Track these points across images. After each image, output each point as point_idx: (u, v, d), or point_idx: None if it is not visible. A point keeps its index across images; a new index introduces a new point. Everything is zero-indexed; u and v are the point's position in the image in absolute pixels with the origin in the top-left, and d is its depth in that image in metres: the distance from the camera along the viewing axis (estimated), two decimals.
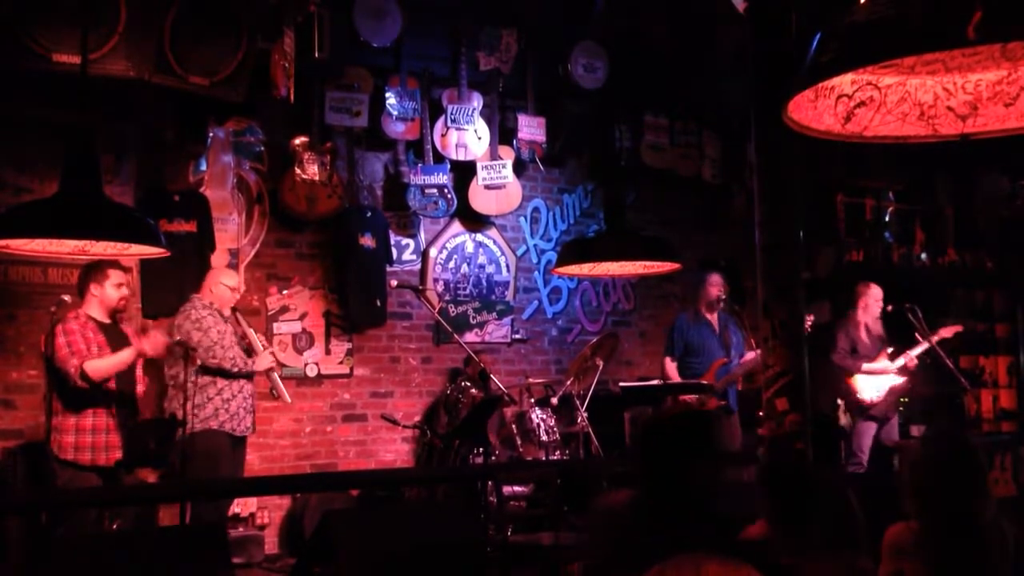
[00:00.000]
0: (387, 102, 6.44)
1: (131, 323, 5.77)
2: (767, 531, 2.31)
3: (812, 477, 2.38)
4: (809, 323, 5.49)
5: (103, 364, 4.65)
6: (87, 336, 4.68)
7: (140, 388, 5.03)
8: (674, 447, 2.27)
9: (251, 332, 5.46)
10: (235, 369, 5.19)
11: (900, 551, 2.59)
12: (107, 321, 4.86)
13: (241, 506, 5.94)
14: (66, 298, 4.64)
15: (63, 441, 4.57)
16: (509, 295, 7.35)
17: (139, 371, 5.02)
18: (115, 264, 4.85)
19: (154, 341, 4.85)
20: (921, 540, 2.56)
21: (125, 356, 4.74)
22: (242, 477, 5.24)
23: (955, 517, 2.55)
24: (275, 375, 5.51)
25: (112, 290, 4.81)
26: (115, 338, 4.85)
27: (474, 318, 7.16)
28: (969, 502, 2.57)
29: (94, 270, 4.82)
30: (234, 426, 5.22)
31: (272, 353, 5.53)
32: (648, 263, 5.27)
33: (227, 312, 5.40)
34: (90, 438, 4.65)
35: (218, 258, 6.10)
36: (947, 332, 6.73)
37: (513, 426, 6.32)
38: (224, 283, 5.40)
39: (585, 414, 6.18)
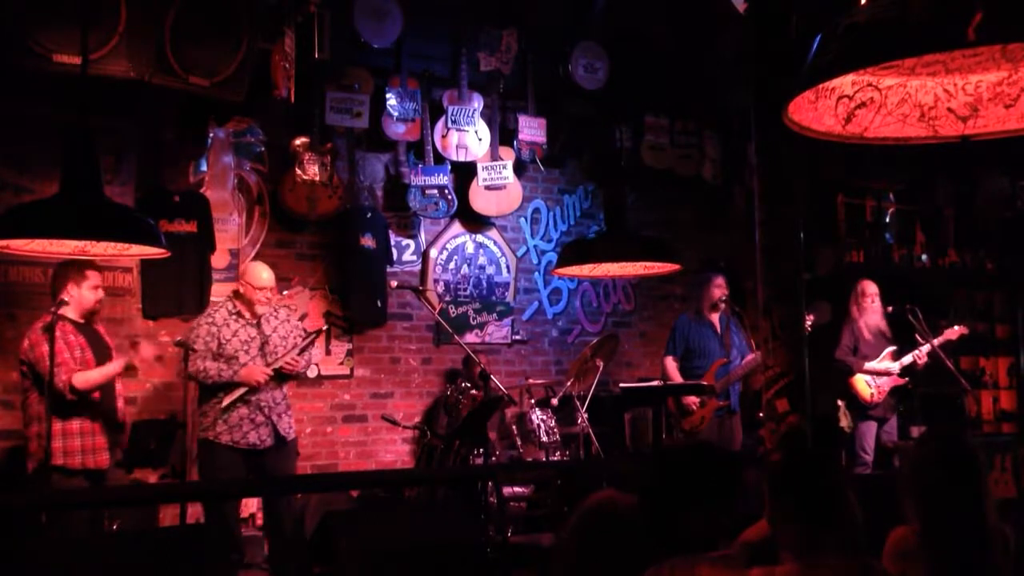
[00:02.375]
0: (387, 103, 6.44)
1: (131, 324, 5.79)
2: (776, 532, 2.29)
3: (838, 478, 2.35)
4: (809, 322, 5.50)
5: (92, 376, 4.58)
6: (68, 340, 4.55)
7: (120, 403, 4.87)
8: (701, 487, 2.34)
9: (273, 337, 5.12)
10: (208, 381, 4.90)
11: (903, 555, 2.57)
12: (81, 321, 4.72)
13: (241, 507, 5.94)
14: (66, 299, 4.59)
15: (52, 447, 4.42)
16: (509, 296, 7.35)
17: (119, 386, 4.86)
18: (92, 264, 4.66)
19: (143, 353, 4.79)
20: (924, 543, 2.55)
21: (114, 368, 4.68)
22: (242, 478, 5.19)
23: (957, 520, 2.54)
24: (237, 393, 4.95)
25: (89, 292, 4.64)
26: (93, 338, 4.74)
27: (474, 319, 7.16)
28: (969, 504, 2.56)
29: (72, 270, 4.64)
30: (235, 439, 4.92)
31: (265, 375, 4.96)
32: (648, 264, 5.27)
33: (261, 311, 5.12)
34: (78, 441, 4.57)
35: (218, 258, 6.10)
36: (952, 335, 6.70)
37: (513, 427, 6.33)
38: (246, 280, 5.12)
39: (585, 415, 6.18)
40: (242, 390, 4.96)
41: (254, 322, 5.12)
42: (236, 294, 5.20)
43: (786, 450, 2.32)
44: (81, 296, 4.65)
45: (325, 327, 5.30)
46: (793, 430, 3.33)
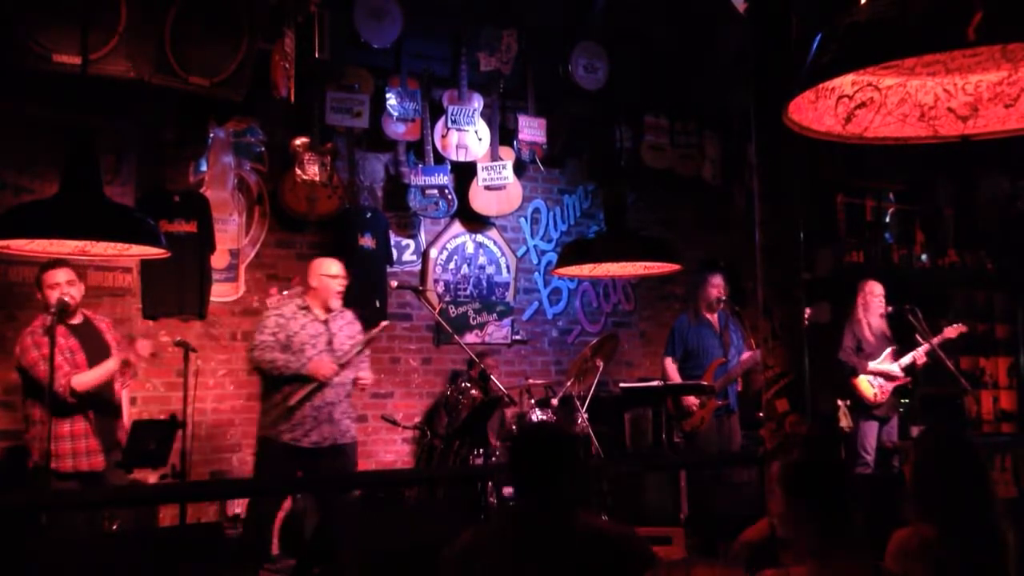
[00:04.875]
0: (387, 103, 6.44)
1: (131, 324, 5.79)
2: (788, 533, 2.29)
3: (850, 478, 2.36)
4: (807, 315, 5.49)
5: (89, 377, 4.56)
6: (59, 344, 4.47)
7: (124, 405, 4.88)
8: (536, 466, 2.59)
9: (339, 336, 5.10)
10: (275, 372, 4.92)
11: (906, 555, 2.57)
12: (74, 322, 4.68)
13: (242, 507, 5.93)
14: (66, 299, 4.59)
15: (43, 450, 4.36)
16: (509, 296, 7.35)
17: (117, 384, 4.84)
18: (52, 264, 4.56)
19: (140, 350, 4.77)
20: (929, 544, 2.54)
21: (110, 366, 4.64)
22: (241, 477, 5.19)
23: (960, 519, 2.54)
24: (306, 390, 4.95)
25: (50, 291, 4.56)
26: (87, 338, 4.70)
27: (474, 319, 7.16)
28: (972, 503, 2.56)
29: (36, 277, 4.63)
30: (296, 437, 4.91)
31: (334, 369, 4.95)
32: (648, 264, 5.25)
33: (335, 304, 5.11)
34: (69, 444, 4.54)
35: (218, 259, 6.10)
36: (951, 333, 6.70)
37: (513, 427, 6.33)
38: (320, 274, 5.11)
39: (585, 415, 6.17)
40: (311, 386, 4.95)
41: (323, 318, 5.12)
42: (306, 291, 5.20)
43: (806, 451, 2.33)
44: (46, 297, 4.58)
45: (386, 322, 5.32)
46: (813, 431, 3.32)
